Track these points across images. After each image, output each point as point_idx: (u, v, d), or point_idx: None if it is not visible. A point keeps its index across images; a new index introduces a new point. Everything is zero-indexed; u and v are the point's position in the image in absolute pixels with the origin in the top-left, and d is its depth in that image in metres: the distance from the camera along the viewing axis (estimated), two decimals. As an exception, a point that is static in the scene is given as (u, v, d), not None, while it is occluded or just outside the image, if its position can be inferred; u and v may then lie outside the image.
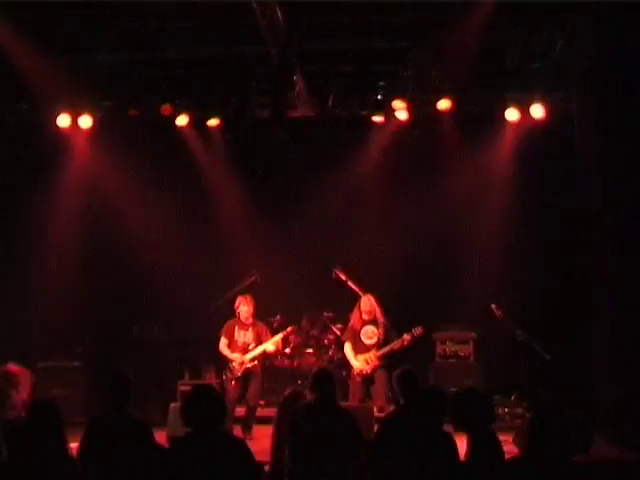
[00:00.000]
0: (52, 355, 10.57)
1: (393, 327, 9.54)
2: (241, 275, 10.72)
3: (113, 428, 5.48)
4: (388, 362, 9.30)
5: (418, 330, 9.37)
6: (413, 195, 11.21)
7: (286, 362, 11.04)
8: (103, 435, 5.48)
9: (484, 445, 4.99)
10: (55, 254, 11.00)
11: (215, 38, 9.58)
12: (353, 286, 10.45)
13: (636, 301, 8.70)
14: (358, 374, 9.40)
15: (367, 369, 9.35)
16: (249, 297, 9.50)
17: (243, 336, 9.46)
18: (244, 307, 9.41)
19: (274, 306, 10.85)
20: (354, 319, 9.62)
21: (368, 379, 9.38)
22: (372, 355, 9.38)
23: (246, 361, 9.30)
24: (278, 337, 9.48)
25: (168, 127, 10.90)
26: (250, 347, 9.37)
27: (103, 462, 5.28)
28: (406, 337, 9.28)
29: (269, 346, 9.41)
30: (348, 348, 9.56)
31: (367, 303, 9.53)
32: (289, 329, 9.74)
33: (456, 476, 5.11)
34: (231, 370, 9.39)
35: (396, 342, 9.30)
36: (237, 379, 9.33)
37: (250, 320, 9.48)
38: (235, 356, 9.35)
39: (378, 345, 9.42)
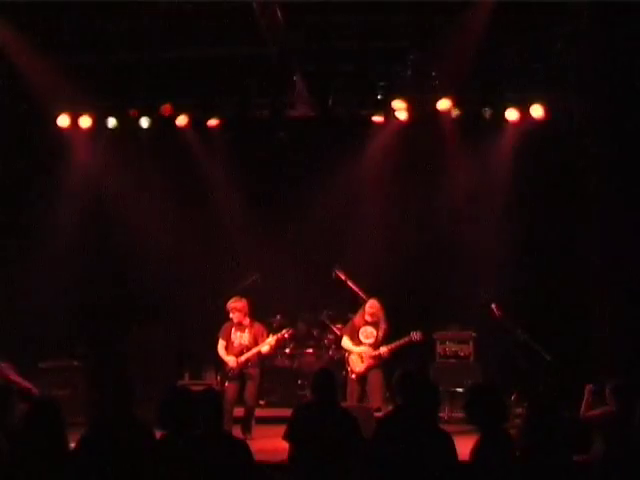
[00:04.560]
0: (52, 355, 10.57)
1: (391, 333, 9.58)
2: (241, 275, 10.73)
3: (114, 428, 5.47)
4: (384, 362, 9.37)
5: (417, 335, 9.42)
6: (413, 195, 11.21)
7: (286, 362, 11.06)
8: (104, 435, 5.48)
9: (493, 443, 4.97)
10: (55, 253, 10.99)
11: (215, 38, 9.58)
12: (353, 286, 10.47)
13: (636, 301, 8.71)
14: (352, 371, 9.47)
15: (361, 367, 9.44)
16: (240, 300, 9.44)
17: (239, 337, 9.44)
18: (235, 313, 9.39)
19: (274, 306, 10.86)
20: (357, 317, 9.71)
21: (363, 379, 9.44)
22: (367, 355, 9.45)
23: (240, 363, 9.30)
24: (272, 339, 9.47)
25: (168, 127, 10.90)
26: (244, 350, 9.36)
27: (104, 462, 5.28)
28: (382, 350, 9.37)
29: (263, 348, 9.39)
30: (346, 340, 9.65)
31: (372, 306, 9.59)
32: (284, 331, 9.73)
33: (454, 475, 5.11)
34: (226, 372, 9.39)
35: (381, 349, 9.38)
36: (233, 380, 9.32)
37: (247, 321, 9.46)
38: (229, 358, 9.35)
39: (374, 346, 9.48)
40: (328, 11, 9.08)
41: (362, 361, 9.47)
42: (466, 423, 5.32)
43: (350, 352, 9.63)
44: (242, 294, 9.70)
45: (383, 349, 9.42)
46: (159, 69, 10.33)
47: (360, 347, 9.52)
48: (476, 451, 5.01)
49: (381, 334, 9.53)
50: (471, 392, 5.26)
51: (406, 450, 5.20)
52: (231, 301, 9.43)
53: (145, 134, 11.05)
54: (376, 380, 9.35)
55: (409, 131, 10.84)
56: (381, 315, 9.59)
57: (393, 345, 9.47)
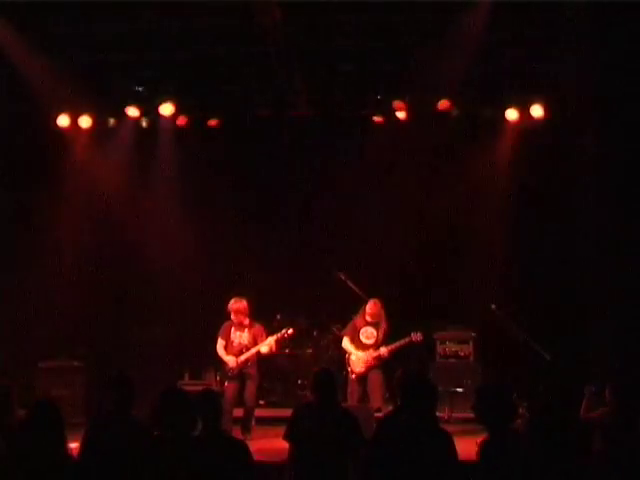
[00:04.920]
0: (52, 355, 10.57)
1: (391, 333, 9.59)
2: (241, 275, 10.73)
3: (114, 429, 5.47)
4: (384, 362, 9.37)
5: (417, 336, 9.43)
6: (413, 195, 11.21)
7: (286, 362, 11.06)
8: (104, 436, 5.48)
9: (501, 443, 4.97)
10: (55, 254, 10.99)
11: (215, 38, 9.58)
12: (353, 286, 10.47)
13: (636, 301, 8.71)
14: (352, 371, 9.47)
15: (361, 368, 9.43)
16: (241, 301, 9.44)
17: (239, 337, 9.44)
18: (236, 314, 9.37)
19: (274, 306, 10.86)
20: (358, 318, 9.70)
21: (363, 379, 9.44)
22: (368, 355, 9.44)
23: (240, 362, 9.29)
24: (272, 339, 9.47)
25: (168, 127, 10.90)
26: (244, 349, 9.36)
27: (104, 463, 5.28)
28: (382, 350, 9.44)
29: (263, 347, 9.39)
30: (347, 342, 9.66)
31: (373, 306, 9.58)
32: (284, 331, 9.72)
33: (455, 475, 5.11)
34: (225, 372, 9.39)
35: (381, 350, 9.38)
36: (232, 380, 9.32)
37: (247, 321, 9.46)
38: (229, 358, 9.34)
39: (375, 346, 9.49)
40: (328, 11, 9.07)
41: (362, 361, 9.47)
42: (474, 423, 5.31)
43: (350, 353, 9.64)
44: (242, 294, 9.70)
45: (383, 350, 9.43)
46: (159, 69, 10.33)
47: (360, 352, 9.51)
48: (483, 450, 5.01)
49: (381, 335, 9.55)
50: (479, 392, 5.25)
51: (406, 450, 5.20)
52: (232, 302, 9.42)
53: (145, 134, 11.05)
54: (376, 380, 9.36)
55: (409, 131, 10.84)
56: (382, 315, 9.60)
57: (393, 346, 9.48)
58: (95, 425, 5.70)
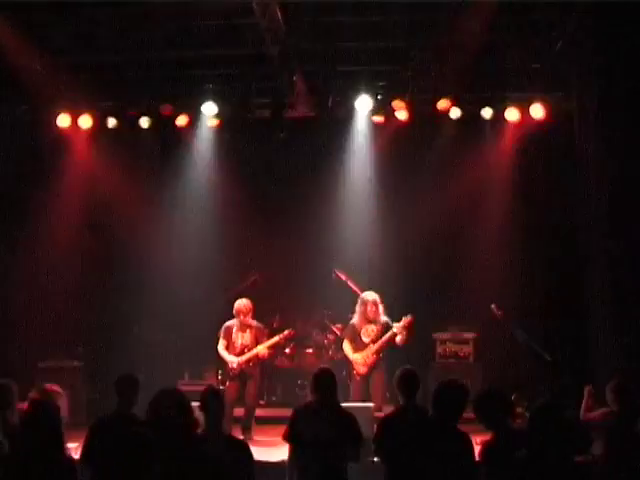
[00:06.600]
0: (52, 355, 10.57)
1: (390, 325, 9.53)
2: (241, 275, 10.72)
3: (115, 429, 5.47)
4: (386, 363, 9.30)
5: (407, 319, 9.26)
6: (413, 195, 11.20)
7: (286, 362, 11.06)
8: (105, 436, 5.48)
9: (502, 443, 5.00)
10: (55, 254, 10.99)
11: (215, 38, 9.59)
12: (353, 286, 10.45)
13: (636, 301, 8.71)
14: (357, 372, 9.41)
15: (364, 368, 9.35)
16: (246, 301, 9.43)
17: (241, 338, 9.44)
18: (240, 315, 9.35)
19: (274, 306, 10.86)
20: (358, 317, 9.51)
21: (366, 379, 9.38)
22: (368, 352, 9.38)
23: (241, 362, 9.30)
24: (273, 341, 9.45)
25: (168, 127, 10.91)
26: (246, 350, 9.36)
27: (105, 463, 5.27)
28: (374, 348, 9.27)
29: (264, 349, 9.38)
30: (347, 345, 9.55)
31: (373, 301, 9.44)
32: (285, 332, 9.69)
33: (462, 475, 5.11)
34: (227, 372, 9.40)
35: (387, 335, 9.25)
36: (234, 380, 9.33)
37: (248, 322, 9.45)
38: (231, 358, 9.34)
39: (374, 341, 9.40)
40: (328, 11, 9.08)
41: (365, 362, 9.37)
42: (475, 423, 5.34)
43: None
44: (242, 294, 9.69)
45: (376, 346, 9.25)
46: (159, 69, 10.34)
47: (360, 353, 9.40)
48: (487, 451, 5.03)
49: (380, 328, 9.37)
50: (479, 393, 5.28)
51: (408, 450, 5.20)
52: (238, 303, 9.40)
53: (145, 134, 11.06)
54: (379, 380, 9.27)
55: (409, 131, 10.84)
56: (381, 309, 9.43)
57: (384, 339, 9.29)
58: (96, 425, 5.70)
